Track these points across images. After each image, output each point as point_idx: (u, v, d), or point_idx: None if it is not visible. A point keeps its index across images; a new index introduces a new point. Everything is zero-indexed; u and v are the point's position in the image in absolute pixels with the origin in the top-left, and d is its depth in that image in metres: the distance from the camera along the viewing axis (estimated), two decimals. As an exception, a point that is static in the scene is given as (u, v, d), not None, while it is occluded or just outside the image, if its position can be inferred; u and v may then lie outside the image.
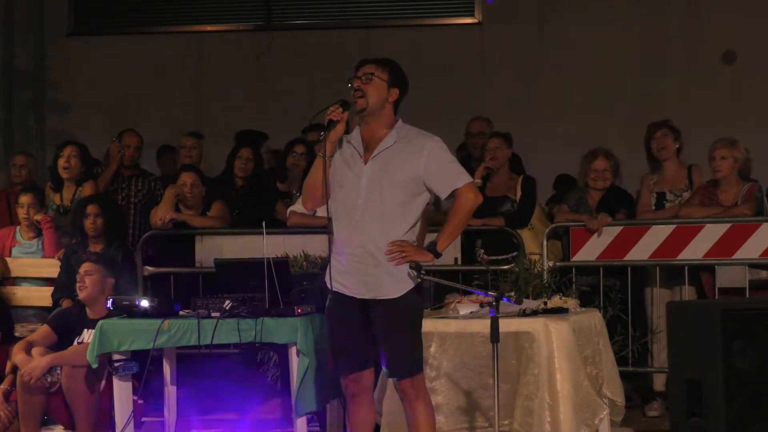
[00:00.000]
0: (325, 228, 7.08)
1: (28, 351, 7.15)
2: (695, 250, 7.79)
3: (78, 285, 7.31)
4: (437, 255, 5.55)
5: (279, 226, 8.13)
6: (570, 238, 8.05)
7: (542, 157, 9.80)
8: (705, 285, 7.85)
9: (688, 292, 7.86)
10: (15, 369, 7.23)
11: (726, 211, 7.80)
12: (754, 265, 7.80)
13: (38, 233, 8.54)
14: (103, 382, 7.02)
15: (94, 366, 6.67)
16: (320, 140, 5.55)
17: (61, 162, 8.67)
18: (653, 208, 8.13)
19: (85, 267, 7.35)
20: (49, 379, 7.03)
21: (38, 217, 8.51)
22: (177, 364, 7.10)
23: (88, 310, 7.35)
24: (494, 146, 8.23)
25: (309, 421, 6.56)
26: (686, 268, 7.85)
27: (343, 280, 5.58)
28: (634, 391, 8.23)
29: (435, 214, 8.00)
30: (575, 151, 8.61)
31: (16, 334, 8.06)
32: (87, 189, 8.60)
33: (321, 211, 5.77)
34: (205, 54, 11.80)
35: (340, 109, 5.51)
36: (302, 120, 9.72)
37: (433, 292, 7.35)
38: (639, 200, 8.23)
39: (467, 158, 8.82)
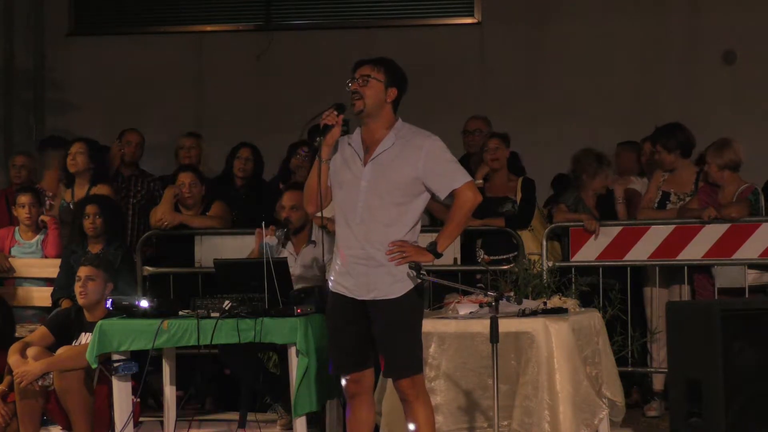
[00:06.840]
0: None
1: (23, 352, 7.14)
2: (695, 251, 7.80)
3: (79, 291, 7.25)
4: (438, 255, 5.54)
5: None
6: (569, 238, 8.05)
7: (542, 157, 9.79)
8: (697, 286, 7.85)
9: (687, 293, 7.86)
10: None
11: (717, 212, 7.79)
12: (752, 266, 7.80)
13: (37, 233, 8.53)
14: (95, 382, 7.01)
15: (94, 366, 6.67)
16: (317, 145, 5.54)
17: (68, 159, 8.69)
18: (655, 205, 8.14)
19: (86, 272, 7.25)
20: (40, 383, 7.01)
21: (44, 218, 8.51)
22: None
23: (86, 314, 7.30)
24: (494, 146, 8.24)
25: (309, 422, 6.56)
26: (686, 268, 7.85)
27: (343, 281, 5.57)
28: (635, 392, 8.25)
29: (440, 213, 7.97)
30: (575, 151, 8.60)
31: (16, 335, 8.05)
32: (101, 191, 8.56)
33: (325, 213, 5.77)
34: (205, 54, 11.78)
35: (335, 113, 5.51)
36: (302, 120, 9.74)
37: (432, 292, 7.33)
38: (645, 194, 8.24)
39: (466, 157, 8.81)
